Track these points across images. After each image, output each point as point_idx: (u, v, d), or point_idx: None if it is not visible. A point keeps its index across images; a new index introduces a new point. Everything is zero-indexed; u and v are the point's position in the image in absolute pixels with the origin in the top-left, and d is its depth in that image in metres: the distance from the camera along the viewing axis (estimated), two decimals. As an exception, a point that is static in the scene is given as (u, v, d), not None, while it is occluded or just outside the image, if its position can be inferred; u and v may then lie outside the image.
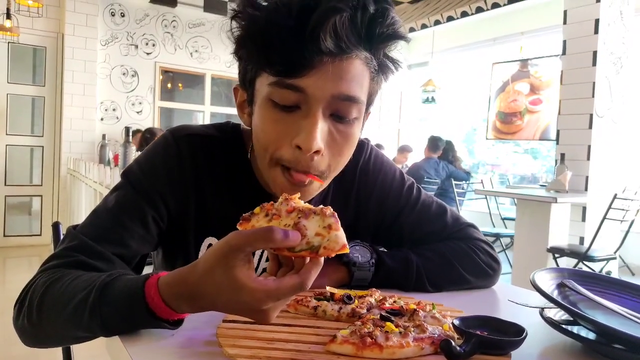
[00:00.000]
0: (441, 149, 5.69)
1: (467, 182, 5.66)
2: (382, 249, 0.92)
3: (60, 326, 0.64)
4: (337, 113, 0.69)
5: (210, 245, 0.83)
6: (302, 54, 0.63)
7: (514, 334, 0.58)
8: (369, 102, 0.75)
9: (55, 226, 1.08)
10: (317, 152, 0.68)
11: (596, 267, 3.59)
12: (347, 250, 0.55)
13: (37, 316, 0.66)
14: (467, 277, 0.90)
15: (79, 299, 0.61)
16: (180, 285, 0.57)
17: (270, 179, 0.74)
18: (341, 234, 0.55)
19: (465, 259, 0.90)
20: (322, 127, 0.67)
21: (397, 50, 0.73)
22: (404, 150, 6.87)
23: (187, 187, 0.80)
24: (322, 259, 0.55)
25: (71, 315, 0.62)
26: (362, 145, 0.95)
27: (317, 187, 0.74)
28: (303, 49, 0.63)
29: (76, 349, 1.09)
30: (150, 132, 4.80)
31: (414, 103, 7.64)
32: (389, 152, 7.04)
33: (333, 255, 0.55)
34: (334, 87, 0.66)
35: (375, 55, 0.70)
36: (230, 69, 6.61)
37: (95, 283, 0.61)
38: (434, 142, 5.70)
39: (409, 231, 0.94)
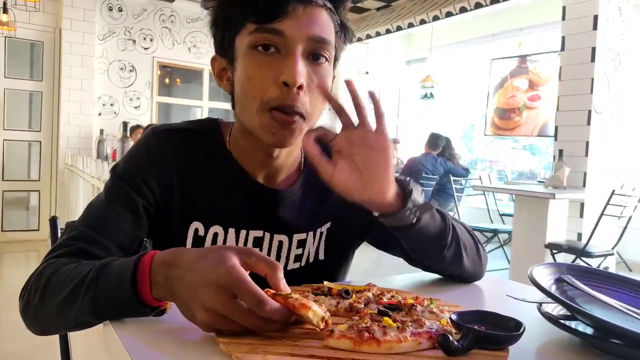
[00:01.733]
0: (440, 147, 5.70)
1: (466, 178, 5.66)
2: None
3: (57, 306, 0.66)
4: (313, 52, 0.77)
5: (196, 230, 0.86)
6: (277, 1, 0.73)
7: (511, 328, 0.58)
8: (335, 58, 0.83)
9: (53, 221, 1.07)
10: (301, 87, 0.74)
11: (594, 263, 3.60)
12: (296, 311, 0.56)
13: (40, 299, 0.69)
14: (465, 245, 0.87)
15: (80, 277, 0.65)
16: (174, 252, 0.61)
17: (260, 126, 0.77)
18: (307, 309, 0.56)
19: (462, 229, 0.89)
20: (301, 66, 0.74)
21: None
22: (394, 142, 6.96)
23: (170, 174, 0.84)
24: (291, 315, 0.57)
25: (70, 292, 0.65)
26: None
27: (304, 127, 0.78)
28: None
29: (74, 346, 1.09)
30: (150, 128, 4.79)
31: (413, 99, 7.63)
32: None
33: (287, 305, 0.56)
34: (308, 29, 0.75)
35: (337, 10, 0.80)
36: (228, 65, 6.58)
37: (96, 264, 0.66)
38: (433, 140, 5.70)
39: None
